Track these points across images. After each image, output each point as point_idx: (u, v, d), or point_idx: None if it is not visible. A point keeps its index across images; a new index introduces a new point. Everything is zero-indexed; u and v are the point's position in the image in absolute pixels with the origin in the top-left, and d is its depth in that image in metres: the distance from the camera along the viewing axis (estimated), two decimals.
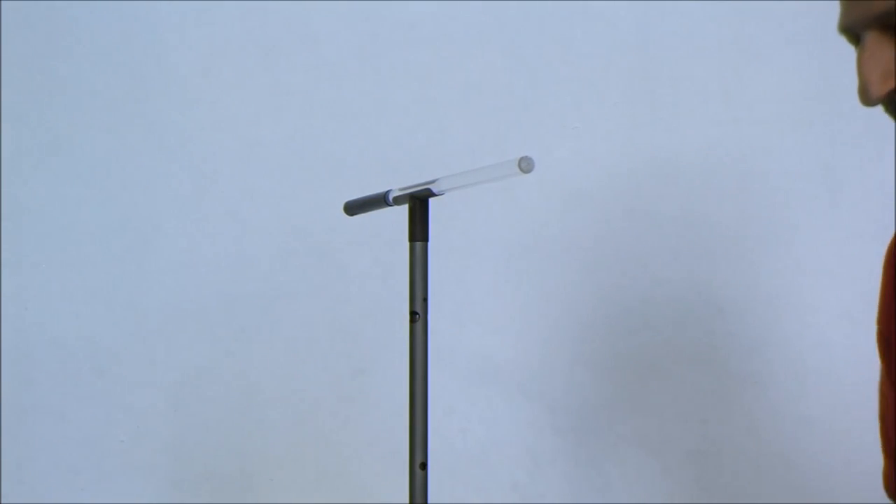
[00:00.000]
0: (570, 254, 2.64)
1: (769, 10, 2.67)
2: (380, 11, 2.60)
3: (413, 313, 1.73)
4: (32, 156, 2.54)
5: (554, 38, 2.64)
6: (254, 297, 2.57)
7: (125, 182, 2.55)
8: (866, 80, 1.18)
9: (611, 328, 2.65)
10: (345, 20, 2.59)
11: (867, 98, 1.20)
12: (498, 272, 2.63)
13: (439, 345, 2.40)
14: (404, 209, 1.77)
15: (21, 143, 2.53)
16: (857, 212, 2.70)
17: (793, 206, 2.69)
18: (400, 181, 1.90)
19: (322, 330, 2.58)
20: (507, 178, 1.56)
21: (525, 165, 1.52)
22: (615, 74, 2.65)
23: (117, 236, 2.55)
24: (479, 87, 2.62)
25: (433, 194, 1.71)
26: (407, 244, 1.74)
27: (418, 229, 1.74)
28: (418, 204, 1.73)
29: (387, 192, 1.80)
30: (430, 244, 1.75)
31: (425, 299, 1.73)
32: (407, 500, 1.75)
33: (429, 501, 1.74)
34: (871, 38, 1.19)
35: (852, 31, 1.25)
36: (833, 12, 2.65)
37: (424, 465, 1.73)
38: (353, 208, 1.94)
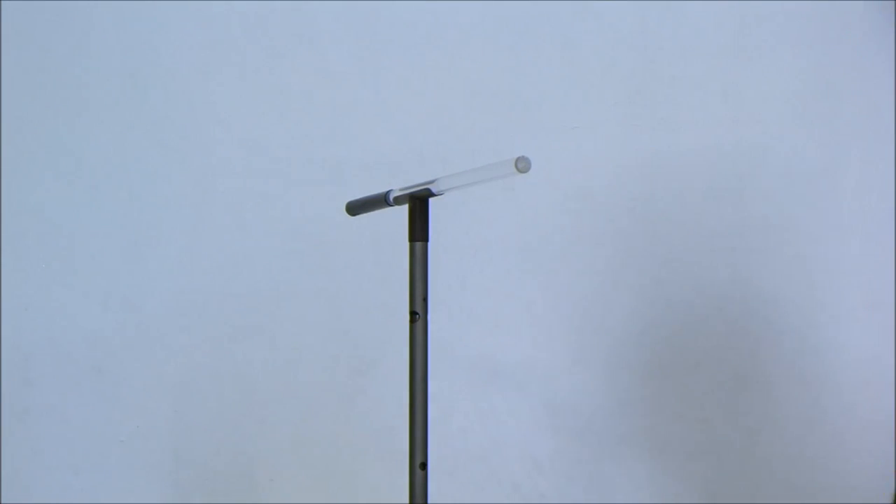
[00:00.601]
0: (569, 254, 2.64)
1: (769, 10, 2.67)
2: (380, 11, 2.60)
3: (413, 313, 1.73)
4: (32, 156, 2.54)
5: (554, 38, 2.64)
6: (254, 297, 2.57)
7: (125, 182, 2.55)
8: None
9: (611, 328, 2.66)
10: (345, 20, 2.60)
11: None
12: (498, 272, 2.63)
13: (439, 345, 2.41)
14: (404, 209, 1.77)
15: (21, 143, 2.54)
16: (857, 212, 2.70)
17: (793, 206, 2.69)
18: (400, 181, 1.90)
19: (322, 330, 2.58)
20: (505, 177, 1.56)
21: (522, 165, 1.52)
22: (615, 74, 2.65)
23: (117, 236, 2.55)
24: (479, 87, 2.62)
25: (433, 194, 1.71)
26: (407, 244, 1.74)
27: (418, 229, 1.74)
28: (418, 204, 1.73)
29: (387, 192, 1.80)
30: (430, 244, 1.75)
31: (425, 299, 1.73)
32: (407, 500, 1.75)
33: (429, 501, 1.74)
34: None
35: None
36: (833, 12, 2.65)
37: (424, 465, 1.73)
38: (354, 208, 1.95)
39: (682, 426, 2.66)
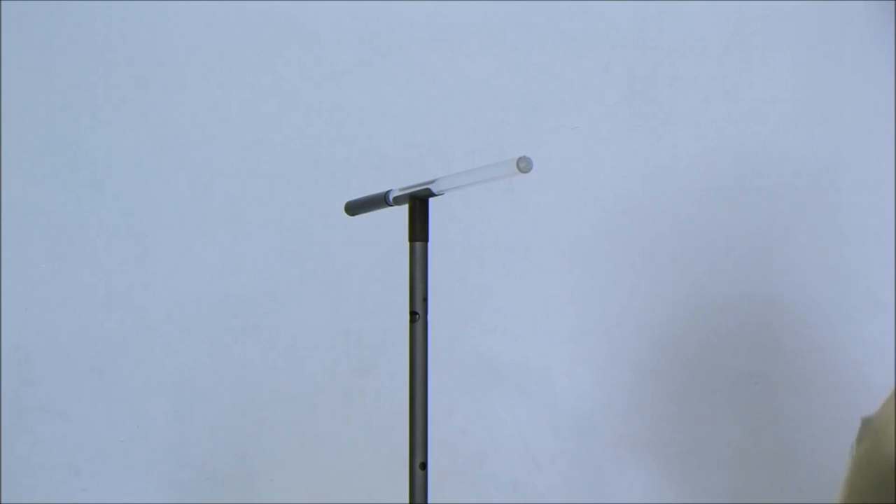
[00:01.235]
0: (569, 254, 2.64)
1: (769, 10, 2.67)
2: (380, 11, 2.60)
3: (413, 313, 1.73)
4: (32, 156, 2.54)
5: (554, 38, 2.64)
6: (254, 297, 2.57)
7: (125, 182, 2.55)
8: None
9: (611, 328, 2.65)
10: (345, 20, 2.59)
11: None
12: (498, 272, 2.63)
13: (439, 345, 2.41)
14: (404, 209, 1.77)
15: (21, 143, 2.53)
16: (857, 212, 2.70)
17: (793, 206, 2.69)
18: (400, 181, 1.90)
19: (322, 330, 2.58)
20: (506, 177, 1.56)
21: (523, 165, 1.52)
22: (615, 74, 2.65)
23: (117, 236, 2.55)
24: (479, 87, 2.62)
25: (433, 194, 1.71)
26: (407, 244, 1.74)
27: (418, 229, 1.74)
28: (418, 204, 1.73)
29: (387, 192, 1.80)
30: (430, 244, 1.75)
31: (425, 299, 1.73)
32: (407, 500, 1.75)
33: (429, 501, 1.74)
34: None
35: None
36: (833, 12, 2.65)
37: (424, 465, 1.73)
38: (354, 208, 1.95)
39: (682, 426, 2.66)
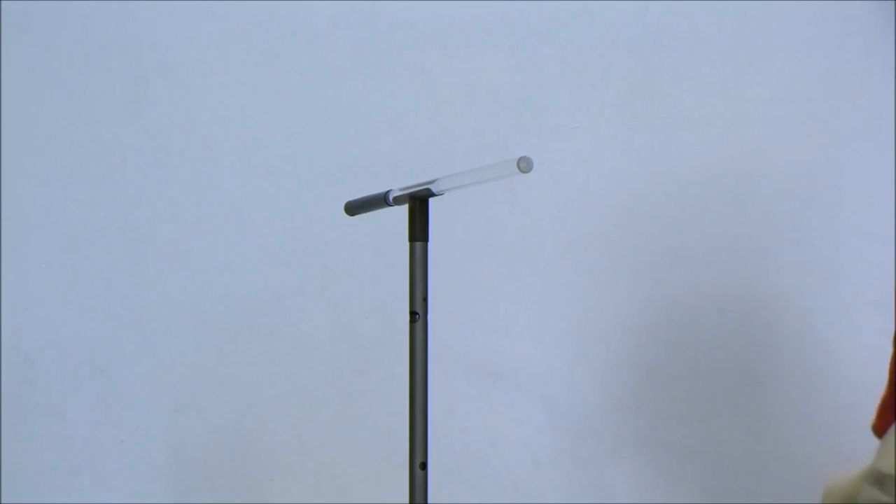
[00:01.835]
0: (569, 254, 2.64)
1: (769, 10, 2.67)
2: (380, 11, 2.60)
3: (413, 313, 1.73)
4: (32, 156, 2.54)
5: (554, 38, 2.64)
6: (254, 297, 2.57)
7: (125, 182, 2.55)
8: None
9: (611, 328, 2.65)
10: (345, 20, 2.60)
11: None
12: (498, 272, 2.63)
13: (439, 345, 2.41)
14: (404, 209, 1.77)
15: (21, 143, 2.53)
16: (857, 212, 2.70)
17: (793, 206, 2.69)
18: (400, 181, 1.90)
19: (322, 330, 2.58)
20: (506, 177, 1.56)
21: (524, 165, 1.52)
22: (615, 74, 2.65)
23: (117, 236, 2.55)
24: (479, 87, 2.62)
25: (433, 194, 1.71)
26: (407, 244, 1.74)
27: (418, 229, 1.74)
28: (418, 204, 1.73)
29: (387, 192, 1.80)
30: (430, 244, 1.75)
31: (425, 299, 1.73)
32: (407, 500, 1.75)
33: (429, 501, 1.74)
34: None
35: None
36: (833, 12, 2.65)
37: (424, 465, 1.73)
38: (354, 208, 1.95)
39: (682, 426, 2.66)
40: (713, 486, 2.66)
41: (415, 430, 1.74)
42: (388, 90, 2.60)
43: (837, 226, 2.70)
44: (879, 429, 1.62)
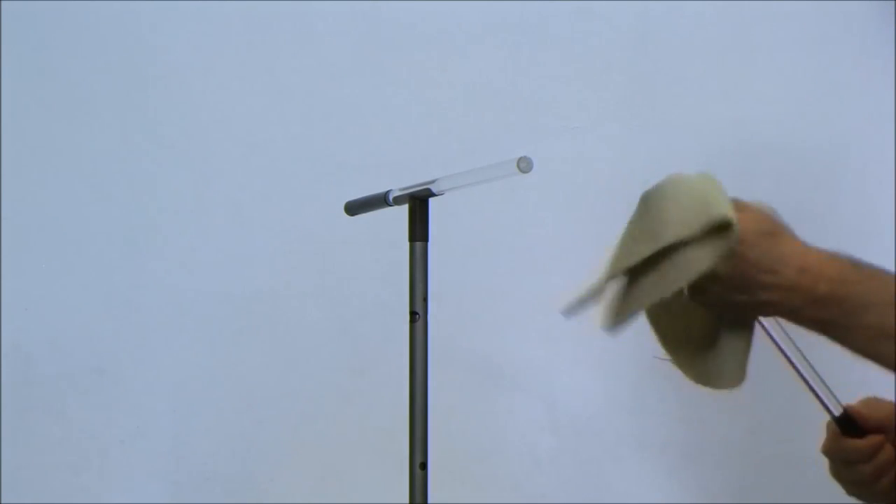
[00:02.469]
0: (569, 254, 2.64)
1: (769, 10, 2.67)
2: (380, 11, 2.60)
3: (413, 313, 1.73)
4: (32, 156, 2.54)
5: (554, 38, 2.64)
6: (254, 297, 2.56)
7: (125, 182, 2.55)
8: None
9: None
10: (345, 20, 2.59)
11: None
12: (498, 272, 2.62)
13: (439, 345, 2.40)
14: (404, 209, 1.77)
15: (21, 143, 2.53)
16: (857, 212, 2.70)
17: (792, 205, 2.68)
18: (400, 181, 1.90)
19: (322, 330, 2.58)
20: (506, 177, 1.57)
21: (524, 165, 1.52)
22: (615, 74, 2.65)
23: (117, 236, 2.55)
24: (479, 87, 2.62)
25: (433, 194, 1.71)
26: (407, 244, 1.74)
27: (418, 229, 1.74)
28: (418, 204, 1.73)
29: (387, 192, 1.80)
30: (430, 244, 1.75)
31: (425, 299, 1.73)
32: (407, 500, 1.75)
33: (429, 501, 1.74)
34: None
35: None
36: (833, 12, 2.65)
37: (424, 465, 1.73)
38: (354, 208, 1.95)
39: (682, 426, 2.66)
40: (713, 486, 2.66)
41: (415, 430, 1.74)
42: (388, 90, 2.60)
43: (837, 226, 2.70)
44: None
